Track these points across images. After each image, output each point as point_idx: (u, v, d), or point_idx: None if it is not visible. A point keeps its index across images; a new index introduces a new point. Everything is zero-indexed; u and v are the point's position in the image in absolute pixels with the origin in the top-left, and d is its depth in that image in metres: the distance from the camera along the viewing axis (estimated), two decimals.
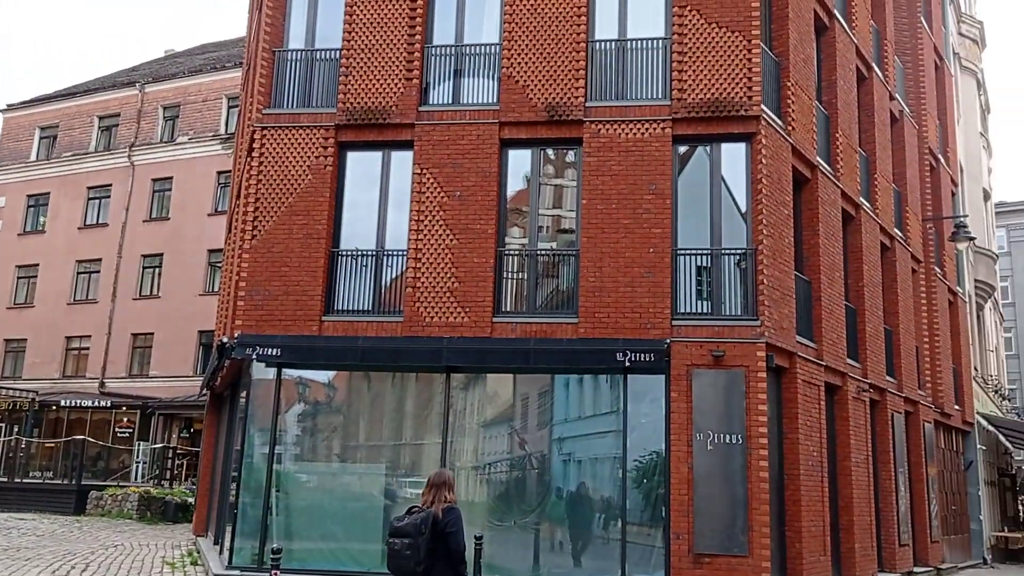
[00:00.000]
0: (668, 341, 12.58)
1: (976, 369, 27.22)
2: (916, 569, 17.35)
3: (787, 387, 13.44)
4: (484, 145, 13.58)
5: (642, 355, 12.49)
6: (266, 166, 14.03)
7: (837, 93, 16.50)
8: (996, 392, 32.12)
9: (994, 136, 38.33)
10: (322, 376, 14.07)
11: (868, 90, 18.53)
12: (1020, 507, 34.25)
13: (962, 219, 21.07)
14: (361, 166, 14.15)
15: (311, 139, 14.02)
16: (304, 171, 13.94)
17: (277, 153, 14.05)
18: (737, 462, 12.16)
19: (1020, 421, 33.52)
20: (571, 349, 12.80)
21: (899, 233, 19.61)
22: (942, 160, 24.29)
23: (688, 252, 13.16)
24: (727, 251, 13.17)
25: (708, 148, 13.55)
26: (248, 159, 14.64)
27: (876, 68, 19.03)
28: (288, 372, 13.58)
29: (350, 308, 13.70)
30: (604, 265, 12.94)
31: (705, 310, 13.09)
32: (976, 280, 29.34)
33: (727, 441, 12.22)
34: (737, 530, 11.96)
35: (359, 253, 13.81)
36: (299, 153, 14.02)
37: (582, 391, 13.52)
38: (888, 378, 17.94)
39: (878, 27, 19.86)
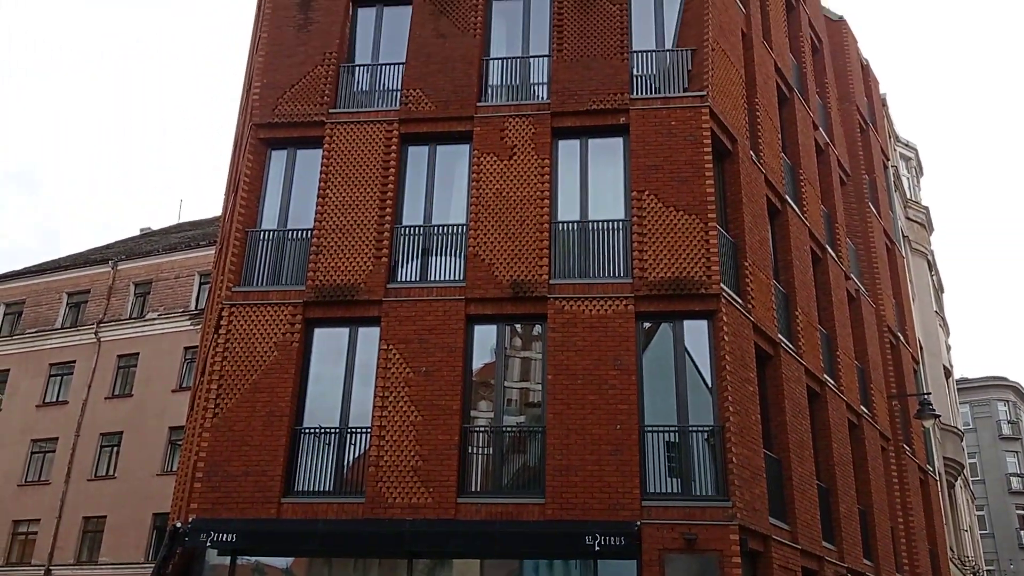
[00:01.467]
0: (639, 524, 12.24)
1: (952, 550, 26.65)
2: None
3: (762, 573, 13.01)
4: (450, 321, 13.71)
5: (612, 539, 12.09)
6: (232, 343, 13.99)
7: (794, 273, 17.05)
8: (973, 573, 31.32)
9: (949, 314, 39.52)
10: (280, 562, 13.40)
11: (824, 270, 19.19)
12: None
13: (926, 396, 21.30)
14: (328, 342, 14.16)
15: (279, 316, 14.09)
16: (270, 348, 13.91)
17: (244, 330, 14.05)
18: None
19: None
20: (539, 532, 12.39)
21: (866, 411, 19.71)
22: (902, 338, 24.85)
23: (656, 429, 13.07)
24: (695, 428, 13.11)
25: (671, 325, 13.77)
26: (215, 336, 14.62)
27: (830, 249, 19.81)
28: (244, 558, 12.94)
29: (311, 489, 13.28)
30: (571, 443, 12.77)
31: (675, 489, 12.85)
32: (945, 457, 29.30)
33: None
34: None
35: (322, 431, 13.55)
36: (266, 330, 14.04)
37: None
38: (866, 561, 17.47)
39: (828, 211, 20.85)
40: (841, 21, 26.23)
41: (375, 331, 13.91)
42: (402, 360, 13.53)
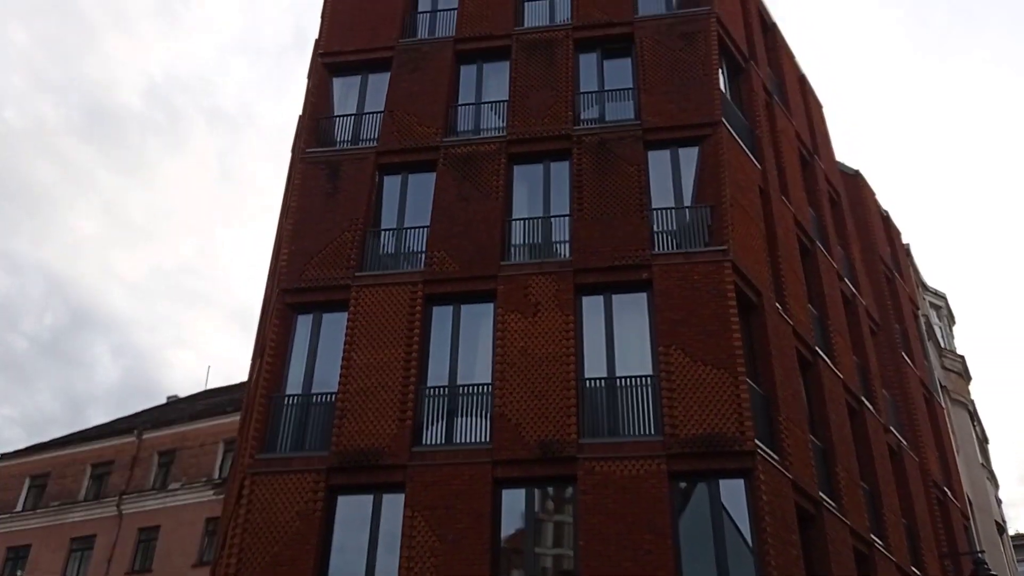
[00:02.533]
0: None
1: None
2: None
3: None
4: (477, 485, 13.27)
5: None
6: (253, 514, 13.59)
7: (831, 427, 16.53)
8: None
9: (996, 466, 38.03)
10: None
11: (862, 423, 18.61)
12: None
13: (980, 555, 20.08)
14: (351, 510, 13.72)
15: (301, 484, 13.73)
16: (292, 518, 13.48)
17: (266, 500, 13.68)
18: None
19: None
20: None
21: (917, 572, 18.57)
22: (949, 493, 23.76)
23: None
24: None
25: (706, 484, 13.23)
26: (236, 507, 14.24)
27: (866, 401, 19.30)
28: None
29: None
30: None
31: None
32: None
33: None
34: None
35: None
36: (288, 499, 13.65)
37: None
38: None
39: (861, 362, 20.47)
40: (857, 175, 26.80)
41: (400, 497, 13.48)
42: (428, 527, 13.02)
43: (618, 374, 14.14)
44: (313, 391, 14.91)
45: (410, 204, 16.69)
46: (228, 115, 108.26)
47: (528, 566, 13.04)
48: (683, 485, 13.29)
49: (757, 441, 13.17)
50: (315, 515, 13.45)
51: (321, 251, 16.00)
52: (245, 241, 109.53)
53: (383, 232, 16.47)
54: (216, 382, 55.00)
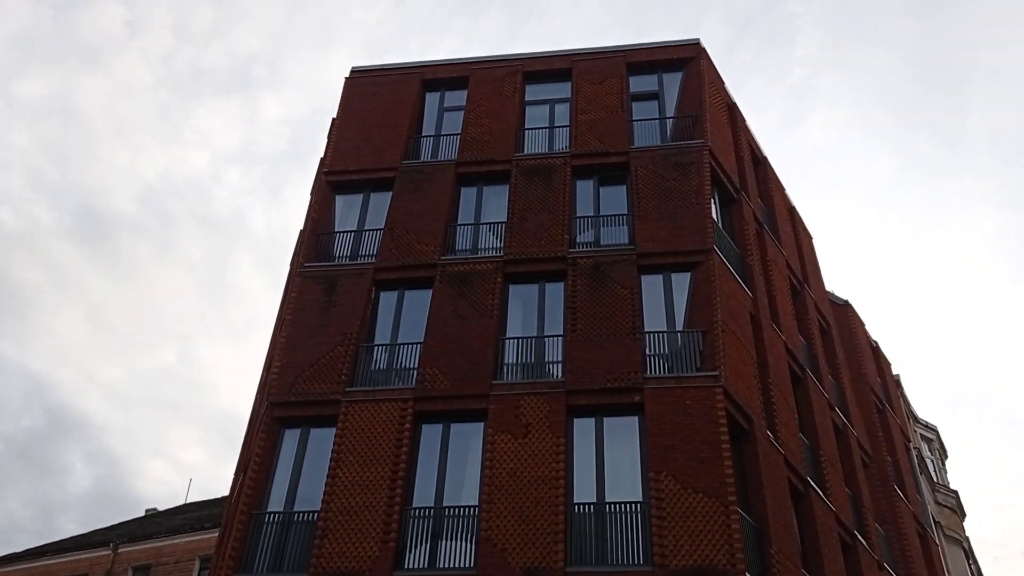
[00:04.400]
0: None
1: None
2: None
3: None
4: None
5: None
6: None
7: (823, 562, 16.13)
8: None
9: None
10: None
11: (855, 559, 18.19)
12: None
13: None
14: None
15: None
16: None
17: None
18: None
19: None
20: None
21: None
22: None
23: None
24: None
25: None
26: None
27: (859, 536, 18.91)
28: None
29: None
30: None
31: None
32: None
33: None
34: None
35: None
36: None
37: None
38: None
39: (854, 494, 20.17)
40: (847, 305, 27.12)
41: None
42: None
43: (608, 499, 13.90)
44: (296, 509, 14.59)
45: (405, 320, 16.81)
46: (219, 221, 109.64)
47: None
48: None
49: (748, 574, 12.83)
50: None
51: (313, 365, 15.99)
52: (229, 351, 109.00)
53: (376, 347, 16.52)
54: (195, 496, 53.76)
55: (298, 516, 14.45)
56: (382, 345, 16.55)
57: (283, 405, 15.62)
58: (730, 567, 12.79)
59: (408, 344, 16.35)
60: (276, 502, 14.77)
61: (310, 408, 15.52)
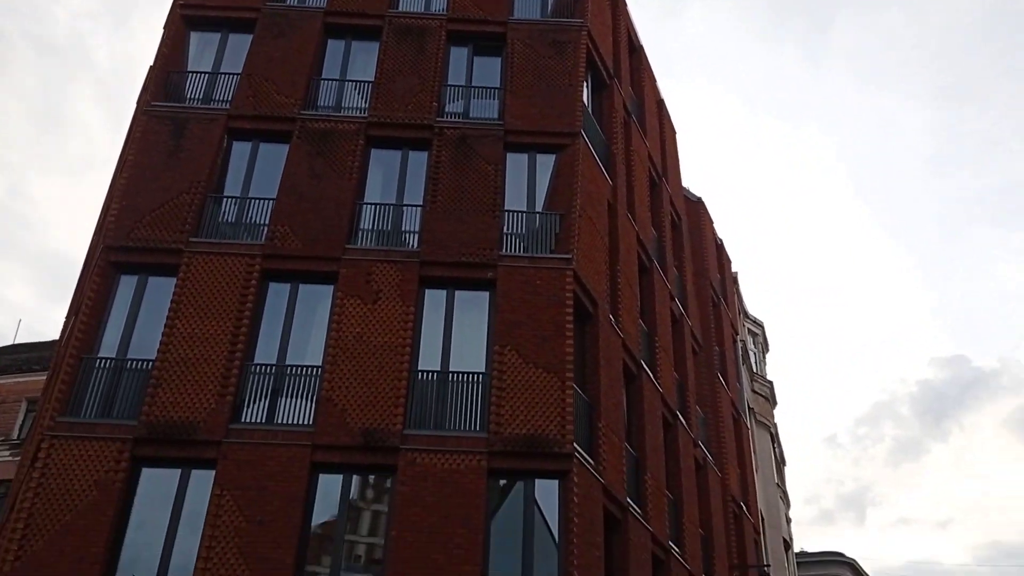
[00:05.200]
0: None
1: None
2: None
3: None
4: (294, 468, 13.00)
5: None
6: (48, 479, 12.73)
7: (646, 438, 17.30)
8: None
9: (790, 487, 40.94)
10: None
11: (674, 437, 19.58)
12: None
13: (766, 568, 21.59)
14: (155, 484, 13.10)
15: (104, 452, 12.99)
16: (89, 487, 12.73)
17: (63, 465, 12.85)
18: None
19: None
20: None
21: None
22: (744, 508, 25.38)
23: None
24: None
25: (523, 483, 13.54)
26: (30, 470, 13.29)
27: (681, 417, 20.31)
28: None
29: None
30: None
31: None
32: None
33: None
34: None
35: None
36: (88, 466, 12.89)
37: None
38: None
39: (681, 379, 21.54)
40: (699, 202, 28.15)
41: (209, 474, 12.99)
42: (236, 508, 12.63)
43: (452, 369, 14.22)
44: (129, 356, 14.13)
45: (258, 174, 16.13)
46: (57, 46, 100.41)
47: (337, 553, 12.89)
48: (501, 482, 13.54)
49: (576, 445, 13.60)
50: (114, 486, 12.76)
51: (155, 210, 15.20)
52: (64, 189, 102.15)
53: (225, 199, 15.84)
54: (24, 338, 51.12)
55: (131, 364, 14.02)
56: (232, 197, 15.87)
57: (120, 250, 14.86)
58: (560, 438, 13.49)
59: (260, 199, 15.77)
60: (108, 348, 14.24)
61: (150, 255, 14.85)
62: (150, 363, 13.83)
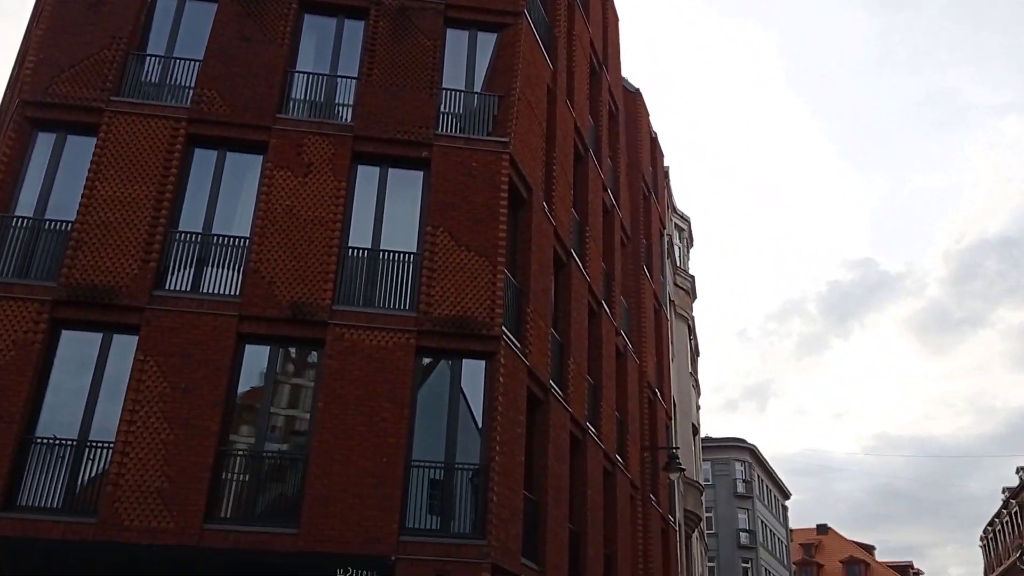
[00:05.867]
0: (393, 558, 12.03)
1: None
2: None
3: None
4: (220, 337, 12.96)
5: (365, 572, 11.81)
6: None
7: (571, 324, 17.72)
8: None
9: (701, 377, 42.87)
10: None
11: (598, 324, 20.10)
12: None
13: (675, 450, 22.74)
14: (75, 347, 12.92)
15: (22, 312, 12.70)
16: (7, 346, 12.49)
17: None
18: None
19: None
20: (289, 563, 11.85)
21: (620, 459, 20.71)
22: (659, 395, 26.47)
23: (422, 464, 12.98)
24: (461, 466, 13.15)
25: (450, 362, 13.82)
26: None
27: (605, 305, 20.81)
28: None
29: (37, 504, 11.97)
30: (334, 473, 12.39)
31: (434, 526, 12.79)
32: (686, 510, 31.33)
33: None
34: None
35: (57, 442, 12.28)
36: (5, 326, 12.60)
37: None
38: None
39: (608, 269, 21.95)
40: (637, 93, 28.01)
41: (132, 340, 12.87)
42: (160, 374, 12.60)
43: (383, 247, 14.18)
44: (47, 216, 13.64)
45: (184, 33, 15.32)
46: None
47: (261, 423, 13.06)
48: (428, 361, 13.79)
49: (504, 328, 13.86)
50: (33, 347, 12.55)
51: (74, 66, 14.39)
52: None
53: (149, 57, 15.06)
54: None
55: (49, 224, 13.54)
56: (156, 56, 15.10)
57: (37, 105, 14.11)
58: (488, 320, 13.72)
59: (186, 60, 15.04)
60: (25, 207, 13.70)
61: (68, 112, 14.15)
62: (69, 224, 13.40)
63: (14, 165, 13.84)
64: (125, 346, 12.87)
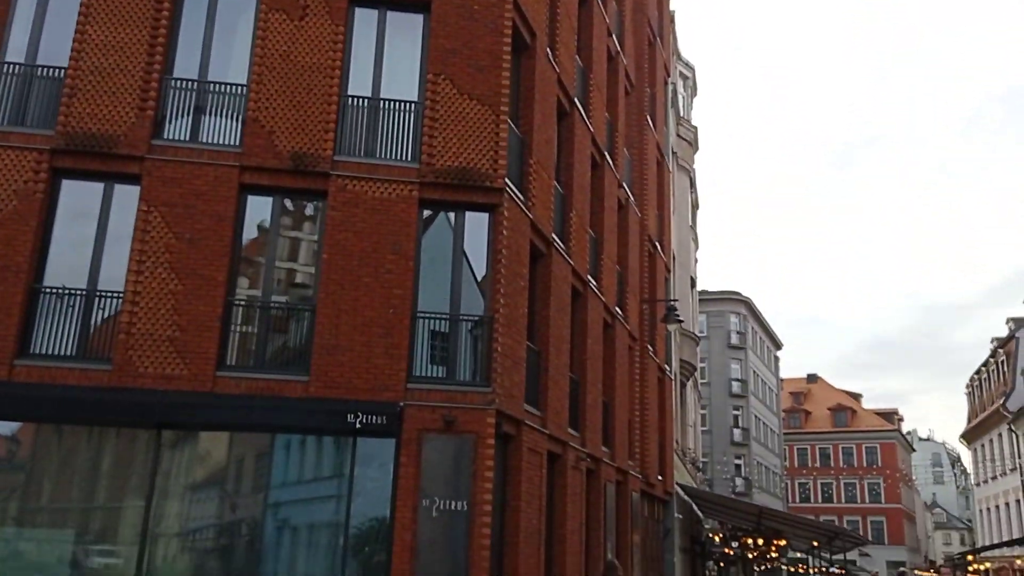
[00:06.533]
0: (402, 404, 12.42)
1: (677, 442, 29.66)
2: None
3: (513, 454, 13.73)
4: (221, 188, 12.84)
5: (374, 418, 12.22)
6: None
7: (573, 176, 17.56)
8: (692, 464, 35.17)
9: (700, 230, 42.97)
10: (6, 428, 12.31)
11: (600, 176, 19.93)
12: (707, 572, 37.42)
13: (673, 303, 23.07)
14: (77, 197, 12.82)
15: (21, 161, 12.52)
16: (9, 196, 12.40)
17: None
18: (460, 529, 12.13)
19: (711, 492, 36.87)
20: (300, 409, 12.24)
21: (620, 312, 21.05)
22: (659, 247, 26.60)
23: (427, 316, 13.17)
24: (465, 317, 13.35)
25: (452, 215, 13.77)
26: None
27: (608, 157, 20.55)
28: None
29: (50, 352, 12.22)
30: (341, 323, 12.59)
31: (439, 375, 13.12)
32: (682, 360, 32.18)
33: (452, 508, 12.17)
34: None
35: (66, 291, 12.41)
36: (5, 176, 12.46)
37: (304, 453, 12.91)
38: (603, 448, 18.97)
39: (612, 119, 21.53)
40: None
41: (134, 190, 12.76)
42: (164, 224, 12.57)
43: (383, 95, 13.83)
44: (39, 63, 13.21)
45: None
46: None
47: (267, 274, 13.13)
48: (431, 213, 13.74)
49: (507, 180, 13.74)
50: (35, 196, 12.45)
51: None
52: None
53: None
54: None
55: (42, 71, 13.14)
56: None
57: None
58: (492, 172, 13.57)
59: None
60: (15, 52, 13.25)
61: None
62: (62, 71, 13.00)
63: (1, 10, 13.28)
64: (127, 196, 12.77)
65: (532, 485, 14.08)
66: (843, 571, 29.57)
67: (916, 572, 71.55)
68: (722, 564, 46.55)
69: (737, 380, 61.44)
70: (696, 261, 40.06)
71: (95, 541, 12.06)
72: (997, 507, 49.17)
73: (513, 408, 13.50)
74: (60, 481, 12.22)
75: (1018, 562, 42.66)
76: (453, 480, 12.31)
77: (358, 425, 12.15)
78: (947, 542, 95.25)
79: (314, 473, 12.86)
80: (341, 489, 12.37)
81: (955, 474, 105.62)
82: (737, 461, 58.77)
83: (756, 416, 63.11)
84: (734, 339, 62.24)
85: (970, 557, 44.43)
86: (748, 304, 64.51)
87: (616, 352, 20.37)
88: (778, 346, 74.09)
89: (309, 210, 13.61)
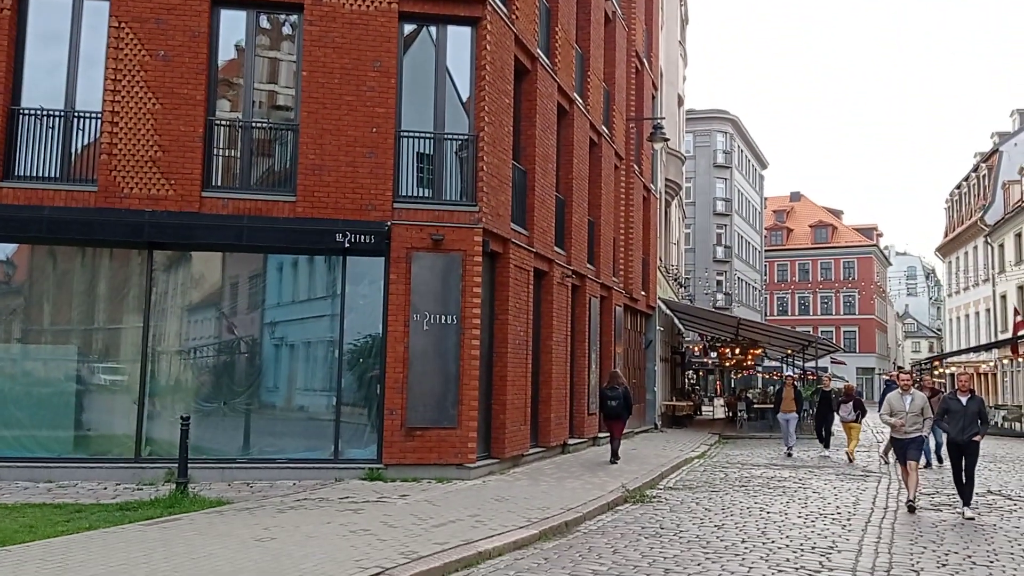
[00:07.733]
0: (389, 223, 12.58)
1: (660, 259, 30.26)
2: (601, 434, 19.33)
3: (500, 271, 14.07)
4: (193, 1, 12.36)
5: (362, 237, 12.40)
6: None
7: None
8: (675, 280, 36.03)
9: (689, 46, 41.77)
10: (1, 252, 12.46)
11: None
12: (686, 380, 39.27)
13: (660, 121, 22.85)
14: (47, 15, 12.36)
15: None
16: None
17: None
18: (451, 341, 12.63)
19: (692, 305, 37.99)
20: (289, 228, 12.38)
21: (606, 130, 20.89)
22: (646, 64, 26.01)
23: (411, 135, 13.09)
24: (449, 136, 13.28)
25: (434, 29, 13.39)
26: None
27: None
28: None
29: (34, 174, 12.17)
30: (325, 142, 12.52)
31: (426, 194, 13.20)
32: (667, 179, 32.24)
33: (442, 322, 12.61)
34: (448, 404, 12.53)
35: (44, 113, 12.19)
36: None
37: (296, 273, 13.20)
38: (588, 265, 19.40)
39: None
40: None
41: (104, 6, 12.28)
42: (137, 41, 12.19)
43: None
44: None
45: None
46: None
47: (246, 97, 12.86)
48: (412, 27, 13.34)
49: None
50: (4, 14, 11.98)
51: None
52: None
53: None
54: None
55: None
56: None
57: None
58: None
59: None
60: None
61: None
62: None
63: None
64: (97, 13, 12.30)
65: (519, 300, 14.52)
66: (814, 376, 31.14)
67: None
68: (700, 373, 48.69)
69: (722, 199, 61.75)
70: (684, 79, 39.25)
71: (99, 360, 12.52)
72: (967, 316, 51.01)
73: (500, 227, 13.70)
74: (59, 302, 12.52)
75: (983, 367, 44.81)
76: (442, 296, 12.68)
77: (347, 244, 12.36)
78: (916, 350, 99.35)
79: (307, 292, 13.21)
80: (333, 307, 12.75)
81: (928, 286, 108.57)
82: (719, 278, 60.14)
83: (739, 234, 63.96)
84: (720, 158, 62.01)
85: (935, 362, 46.52)
86: (735, 123, 63.80)
87: (602, 171, 20.39)
88: (764, 165, 73.99)
89: (287, 28, 13.18)
